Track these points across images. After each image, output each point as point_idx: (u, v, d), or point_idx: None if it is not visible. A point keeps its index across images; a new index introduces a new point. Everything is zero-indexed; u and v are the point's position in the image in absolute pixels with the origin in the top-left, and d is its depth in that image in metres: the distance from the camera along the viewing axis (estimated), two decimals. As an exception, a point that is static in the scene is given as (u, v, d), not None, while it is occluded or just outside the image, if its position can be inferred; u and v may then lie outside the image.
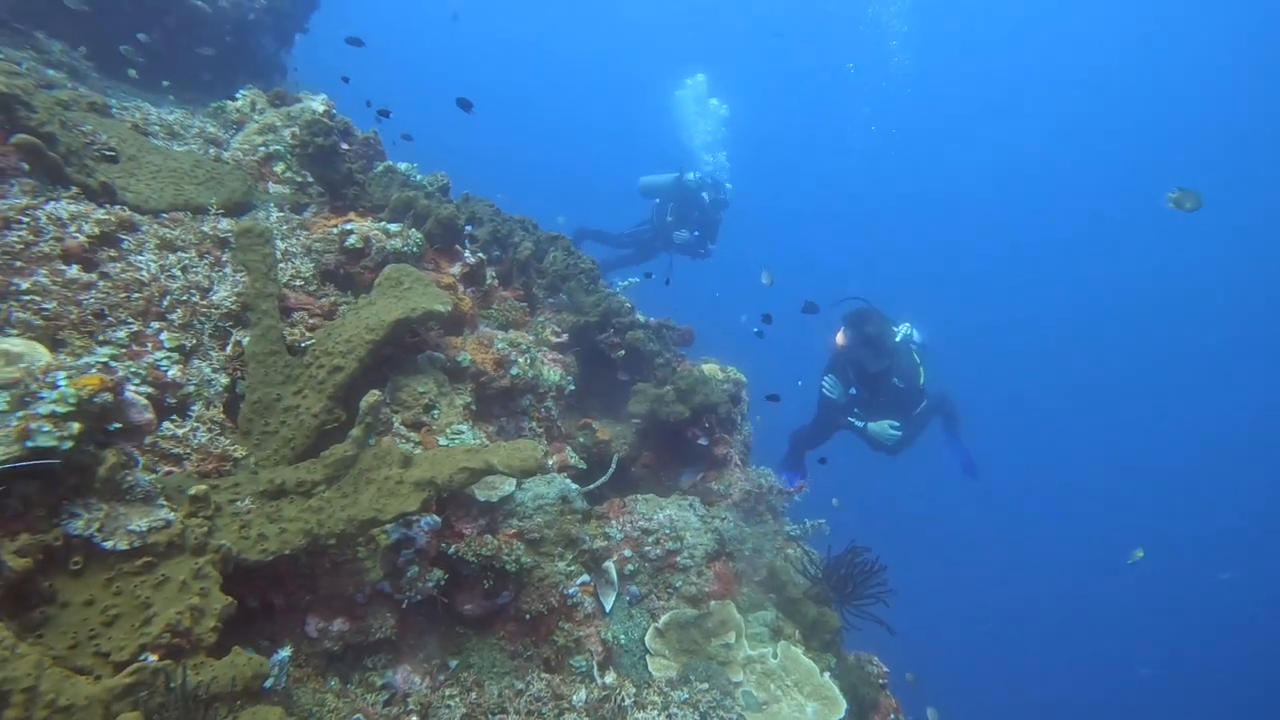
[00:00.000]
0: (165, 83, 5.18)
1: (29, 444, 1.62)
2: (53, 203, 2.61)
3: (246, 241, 2.49)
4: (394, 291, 2.67)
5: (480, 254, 3.29)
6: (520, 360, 2.99)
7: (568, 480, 2.79)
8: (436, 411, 2.59)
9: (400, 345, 2.73)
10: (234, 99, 4.22)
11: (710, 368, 4.65)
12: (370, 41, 5.50)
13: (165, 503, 1.83)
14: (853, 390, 5.89)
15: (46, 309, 2.25)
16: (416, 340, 2.80)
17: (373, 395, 2.14)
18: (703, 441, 3.89)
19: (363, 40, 5.43)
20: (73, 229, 2.54)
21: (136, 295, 2.42)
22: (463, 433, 2.55)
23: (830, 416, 6.21)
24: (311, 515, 2.03)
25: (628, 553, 3.10)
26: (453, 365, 2.78)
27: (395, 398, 2.58)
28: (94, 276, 2.43)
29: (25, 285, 2.27)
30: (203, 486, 1.89)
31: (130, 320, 2.37)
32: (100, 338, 2.29)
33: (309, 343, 2.48)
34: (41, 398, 1.66)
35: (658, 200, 8.66)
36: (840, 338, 5.58)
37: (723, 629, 3.01)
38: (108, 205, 2.77)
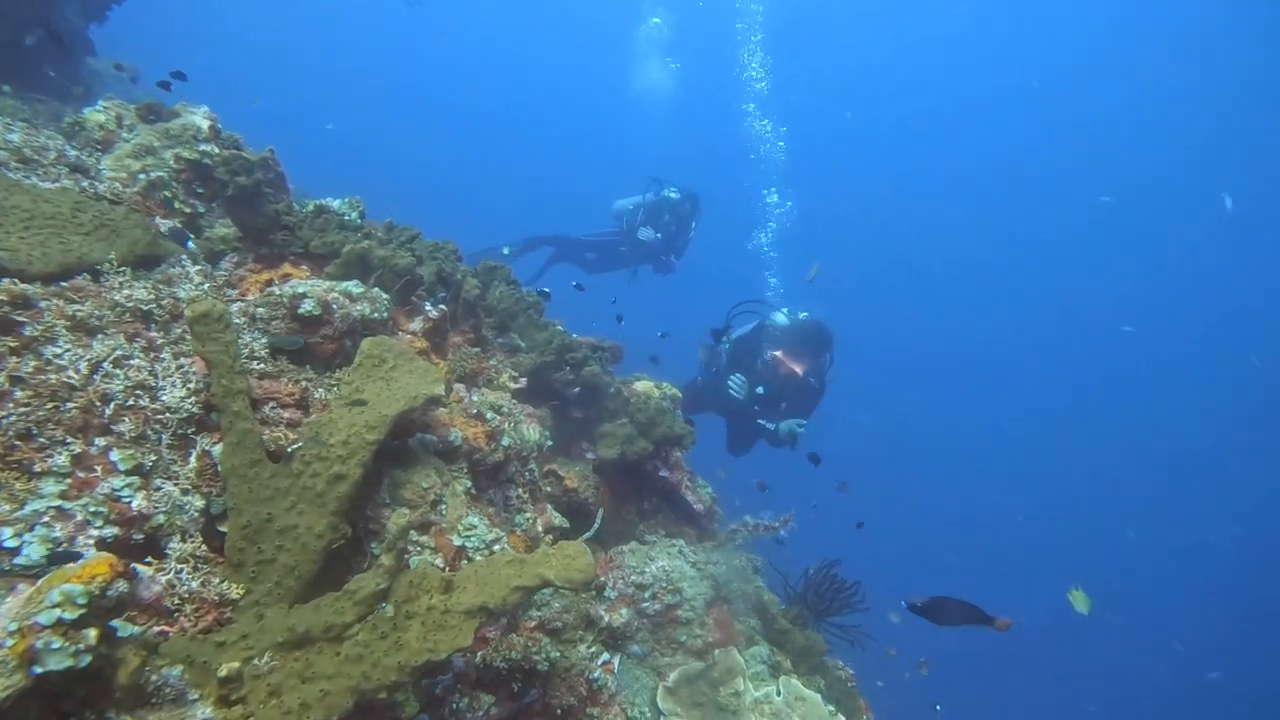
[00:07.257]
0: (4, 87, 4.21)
1: (37, 670, 1.28)
2: (-78, 284, 2.07)
3: (204, 329, 2.10)
4: (379, 372, 2.36)
5: (441, 305, 3.00)
6: (508, 428, 2.77)
7: (575, 554, 2.63)
8: (443, 506, 2.33)
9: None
10: (96, 111, 3.55)
11: (645, 385, 4.57)
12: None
13: (196, 693, 1.52)
14: (760, 389, 5.62)
15: (-42, 440, 1.79)
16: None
17: (401, 517, 1.90)
18: (664, 473, 3.83)
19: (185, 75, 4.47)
20: (-42, 319, 2.03)
21: (69, 405, 1.98)
22: (475, 527, 2.32)
23: (733, 415, 6.06)
24: (353, 667, 1.77)
25: (625, 611, 3.00)
26: (445, 446, 2.52)
27: (396, 496, 2.29)
28: (2, 381, 1.96)
29: (-80, 409, 1.80)
30: (234, 664, 1.59)
31: (68, 439, 1.93)
32: (37, 468, 1.85)
33: (295, 447, 2.14)
34: (44, 601, 1.31)
35: (631, 208, 8.24)
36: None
37: (729, 676, 3.00)
38: (-7, 279, 2.23)
